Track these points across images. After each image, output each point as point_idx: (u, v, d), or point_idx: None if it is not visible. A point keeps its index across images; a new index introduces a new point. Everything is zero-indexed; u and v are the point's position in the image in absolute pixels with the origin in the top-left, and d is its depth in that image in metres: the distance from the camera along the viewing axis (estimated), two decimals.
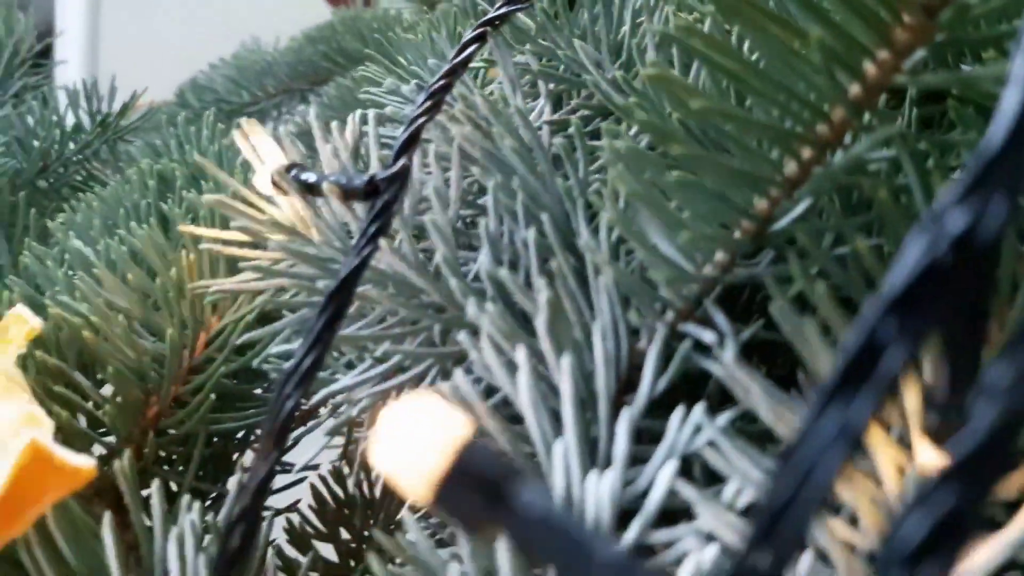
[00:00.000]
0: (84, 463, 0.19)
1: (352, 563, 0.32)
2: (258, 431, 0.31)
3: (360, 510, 0.33)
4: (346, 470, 0.34)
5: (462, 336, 0.20)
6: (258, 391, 0.30)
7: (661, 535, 0.18)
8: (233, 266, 0.30)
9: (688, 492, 0.17)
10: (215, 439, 0.30)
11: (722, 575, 0.15)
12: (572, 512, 0.17)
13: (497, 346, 0.20)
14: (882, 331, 0.10)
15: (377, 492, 0.33)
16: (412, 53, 0.37)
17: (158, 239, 0.29)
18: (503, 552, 0.16)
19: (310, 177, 0.24)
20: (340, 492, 0.34)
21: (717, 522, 0.16)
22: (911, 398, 0.13)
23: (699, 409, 0.17)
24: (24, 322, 0.27)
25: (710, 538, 0.17)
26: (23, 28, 0.58)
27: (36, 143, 0.46)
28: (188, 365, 0.28)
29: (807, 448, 0.09)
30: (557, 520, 0.10)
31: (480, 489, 0.09)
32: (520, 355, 0.18)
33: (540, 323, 0.19)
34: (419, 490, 0.09)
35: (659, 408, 0.20)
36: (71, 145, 0.48)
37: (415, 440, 0.09)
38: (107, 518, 0.20)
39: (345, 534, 0.34)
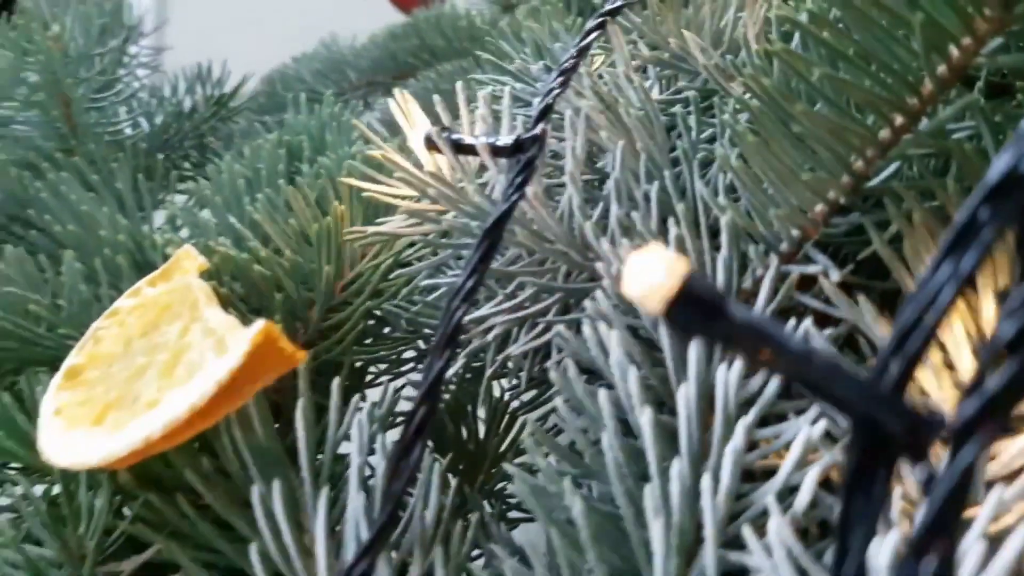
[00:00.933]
0: (298, 350, 0.23)
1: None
2: (381, 367, 0.36)
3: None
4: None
5: (600, 265, 0.25)
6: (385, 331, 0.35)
7: (767, 431, 0.22)
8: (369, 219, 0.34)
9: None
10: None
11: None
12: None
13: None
14: (980, 213, 0.14)
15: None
16: (515, 44, 0.42)
17: (308, 192, 0.34)
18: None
19: (463, 138, 0.28)
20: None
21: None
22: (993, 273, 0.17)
23: (808, 322, 0.22)
24: (194, 258, 0.32)
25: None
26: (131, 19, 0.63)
27: (159, 120, 0.51)
28: (332, 301, 0.33)
29: (929, 286, 0.13)
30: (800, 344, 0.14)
31: (701, 304, 0.13)
32: None
33: None
34: (657, 307, 0.14)
35: None
36: (186, 123, 0.53)
37: (653, 272, 0.14)
38: (301, 402, 0.24)
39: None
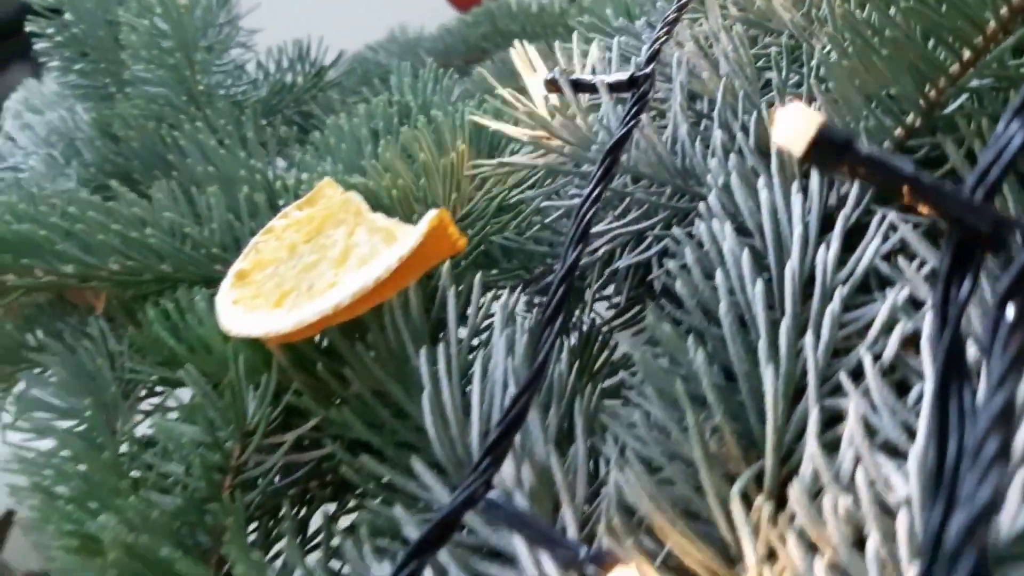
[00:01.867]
0: (461, 237, 0.28)
1: None
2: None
3: None
4: None
5: (709, 177, 0.29)
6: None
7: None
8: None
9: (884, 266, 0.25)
10: None
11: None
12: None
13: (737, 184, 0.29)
14: None
15: None
16: (603, 15, 0.47)
17: (428, 135, 0.39)
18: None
19: (584, 78, 0.33)
20: None
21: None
22: None
23: (894, 212, 0.26)
24: (336, 187, 0.37)
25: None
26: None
27: (264, 91, 0.57)
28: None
29: (1003, 136, 0.18)
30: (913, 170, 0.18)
31: (834, 144, 0.18)
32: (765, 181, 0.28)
33: (773, 178, 0.28)
34: (800, 149, 0.18)
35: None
36: (288, 96, 0.59)
37: (796, 123, 0.18)
38: (478, 277, 0.29)
39: None
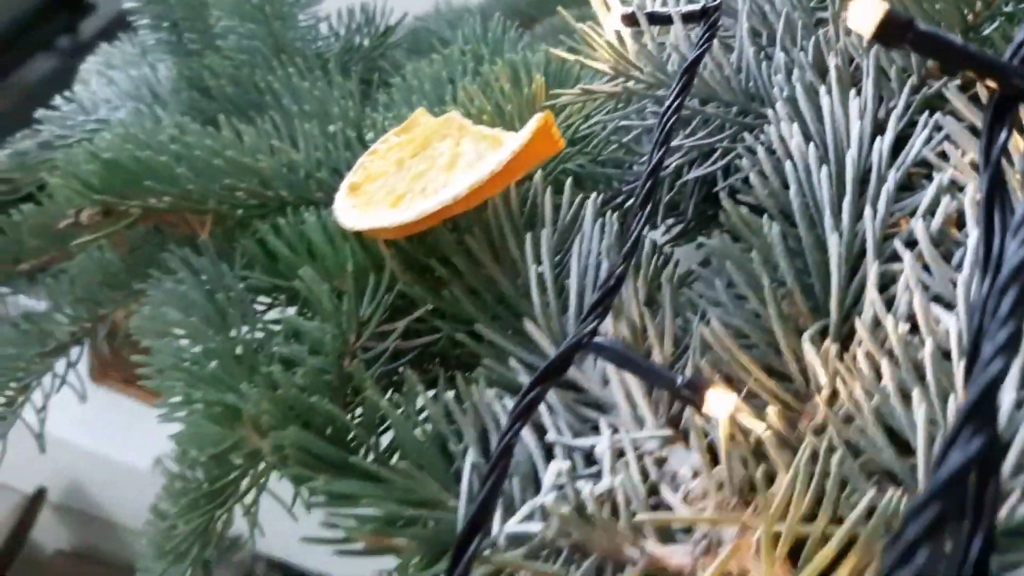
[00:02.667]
0: (561, 138, 0.33)
1: None
2: None
3: None
4: None
5: (775, 90, 0.34)
6: None
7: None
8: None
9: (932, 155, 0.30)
10: None
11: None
12: None
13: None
14: None
15: None
16: None
17: (506, 71, 0.43)
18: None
19: (658, 10, 0.38)
20: None
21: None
22: None
23: (937, 115, 0.31)
24: (429, 115, 0.42)
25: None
26: None
27: (337, 49, 0.62)
28: None
29: None
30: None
31: (900, 26, 0.23)
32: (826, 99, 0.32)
33: (831, 87, 0.33)
34: (870, 31, 0.23)
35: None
36: (356, 55, 0.64)
37: (867, 10, 0.23)
38: (570, 180, 0.34)
39: None
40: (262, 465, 0.44)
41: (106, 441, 2.42)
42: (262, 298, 0.46)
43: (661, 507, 0.27)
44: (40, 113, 0.66)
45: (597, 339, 0.28)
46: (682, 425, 0.29)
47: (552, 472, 0.28)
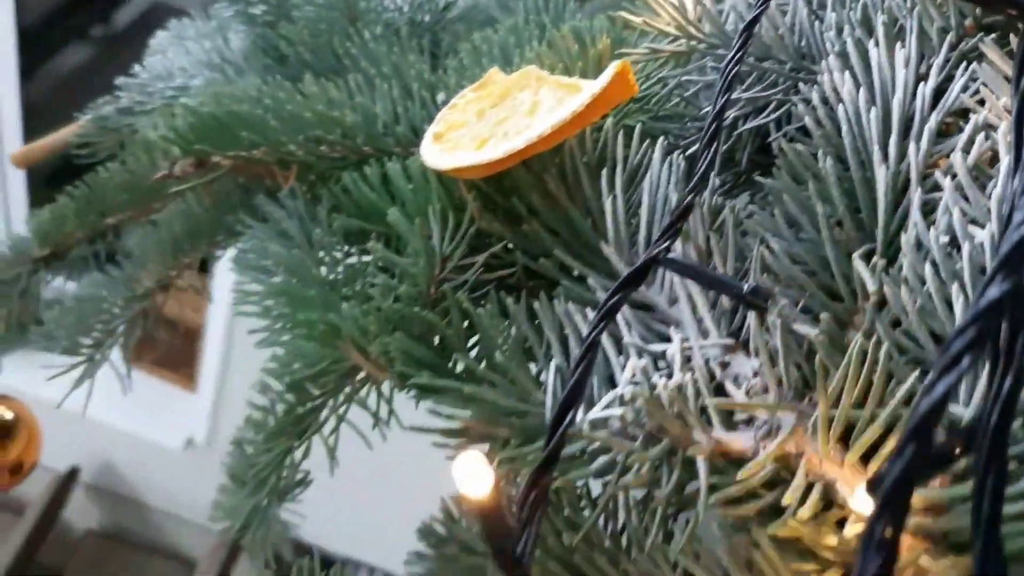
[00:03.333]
0: (635, 84, 0.37)
1: None
2: None
3: None
4: None
5: (828, 44, 0.38)
6: None
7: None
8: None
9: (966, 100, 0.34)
10: None
11: None
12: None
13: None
14: None
15: None
16: None
17: (571, 35, 0.48)
18: None
19: None
20: None
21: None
22: None
23: (974, 65, 0.35)
24: (502, 73, 0.46)
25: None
26: None
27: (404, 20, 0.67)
28: None
29: None
30: None
31: None
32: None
33: (879, 41, 0.37)
34: None
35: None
36: (417, 28, 0.68)
37: None
38: (639, 126, 0.38)
39: None
40: (342, 396, 0.49)
41: (138, 422, 2.49)
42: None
43: None
44: (120, 80, 0.71)
45: (670, 255, 0.32)
46: (742, 336, 0.33)
47: (629, 369, 0.32)
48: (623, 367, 0.33)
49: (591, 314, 0.34)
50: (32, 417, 0.77)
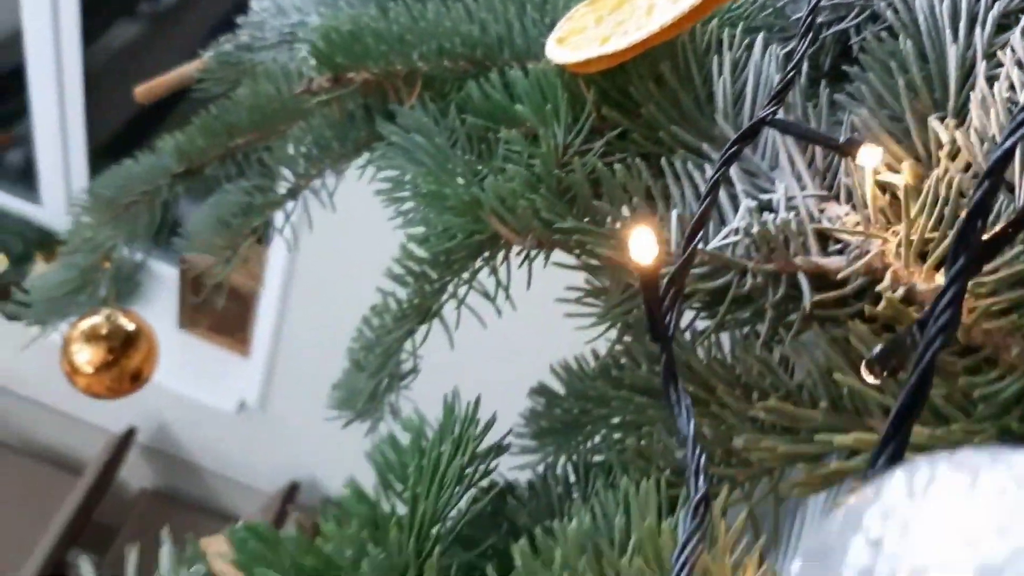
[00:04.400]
0: None
1: None
2: None
3: None
4: None
5: None
6: None
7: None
8: None
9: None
10: None
11: None
12: None
13: None
14: None
15: None
16: None
17: None
18: None
19: None
20: None
21: None
22: None
23: None
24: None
25: None
26: None
27: None
28: None
29: None
30: None
31: None
32: None
33: None
34: None
35: None
36: None
37: None
38: (741, 25, 0.46)
39: None
40: (466, 275, 0.57)
41: (193, 385, 2.61)
42: None
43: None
44: (240, 19, 0.80)
45: (776, 118, 0.40)
46: (834, 190, 0.41)
47: (743, 210, 0.40)
48: (735, 213, 0.41)
49: (708, 170, 0.42)
50: (151, 331, 0.86)
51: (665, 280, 0.35)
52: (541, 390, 0.55)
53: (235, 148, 0.72)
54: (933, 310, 0.24)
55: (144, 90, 0.84)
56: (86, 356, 0.83)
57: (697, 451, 0.29)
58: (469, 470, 0.43)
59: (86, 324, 0.82)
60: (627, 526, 0.31)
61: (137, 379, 0.86)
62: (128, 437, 2.67)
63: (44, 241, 2.59)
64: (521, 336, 1.08)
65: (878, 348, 0.28)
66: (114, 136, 2.76)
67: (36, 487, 2.67)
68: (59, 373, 2.73)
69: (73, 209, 0.70)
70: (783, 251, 0.38)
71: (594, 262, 0.44)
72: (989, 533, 0.15)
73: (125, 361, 0.84)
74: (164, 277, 2.64)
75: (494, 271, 0.56)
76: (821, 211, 0.40)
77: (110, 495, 2.72)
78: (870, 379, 0.28)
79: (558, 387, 0.54)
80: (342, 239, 1.72)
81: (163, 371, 2.82)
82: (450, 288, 0.59)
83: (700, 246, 0.40)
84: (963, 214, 0.26)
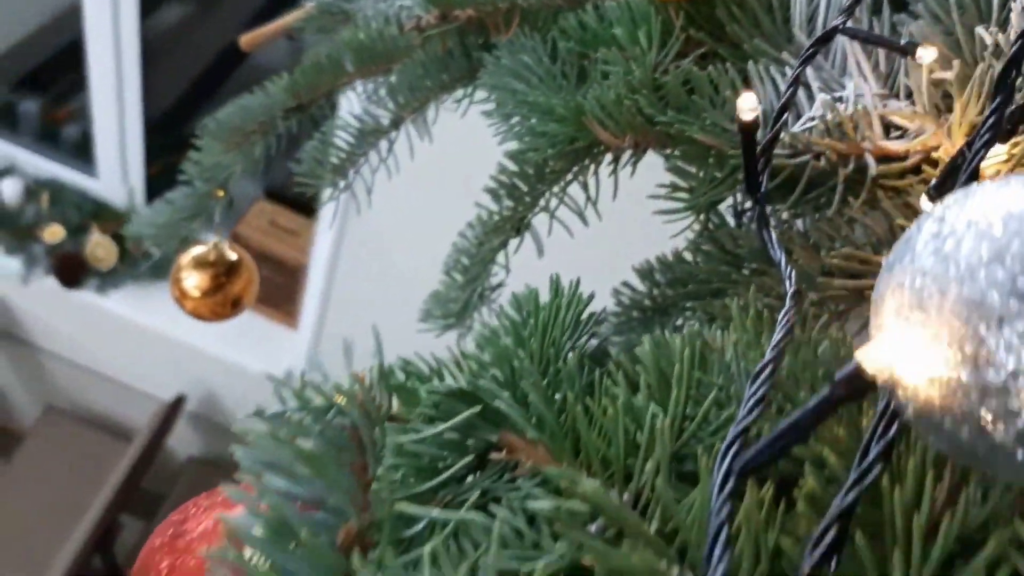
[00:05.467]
0: None
1: None
2: None
3: None
4: None
5: None
6: None
7: None
8: None
9: None
10: None
11: None
12: None
13: None
14: None
15: None
16: None
17: None
18: None
19: None
20: None
21: None
22: None
23: None
24: None
25: None
26: None
27: None
28: None
29: None
30: None
31: None
32: None
33: None
34: None
35: None
36: None
37: None
38: None
39: None
40: (563, 183, 0.66)
41: (241, 355, 2.73)
42: None
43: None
44: None
45: (847, 26, 0.48)
46: (895, 89, 0.49)
47: (818, 102, 0.48)
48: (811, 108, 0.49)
49: (788, 72, 0.50)
50: (251, 263, 0.96)
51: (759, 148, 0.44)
52: (624, 285, 0.64)
53: (340, 86, 0.82)
54: (979, 129, 0.33)
55: (248, 39, 0.93)
56: (194, 281, 0.92)
57: (788, 264, 0.37)
58: (573, 338, 0.52)
59: (195, 252, 0.92)
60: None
61: (237, 305, 0.95)
62: (177, 404, 2.79)
63: (100, 213, 2.71)
64: (604, 249, 1.17)
65: (935, 180, 0.37)
66: (168, 111, 2.89)
67: (89, 453, 2.80)
68: (113, 343, 2.89)
69: (198, 137, 0.80)
70: (852, 136, 0.47)
71: (683, 165, 0.53)
72: (1016, 201, 0.23)
73: (228, 288, 0.94)
74: None
75: (584, 185, 0.65)
76: (884, 105, 0.49)
77: (158, 462, 2.84)
78: (929, 207, 0.37)
79: (639, 285, 0.63)
80: (387, 217, 1.82)
81: (213, 340, 2.94)
82: (542, 202, 0.68)
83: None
84: (1000, 64, 0.35)
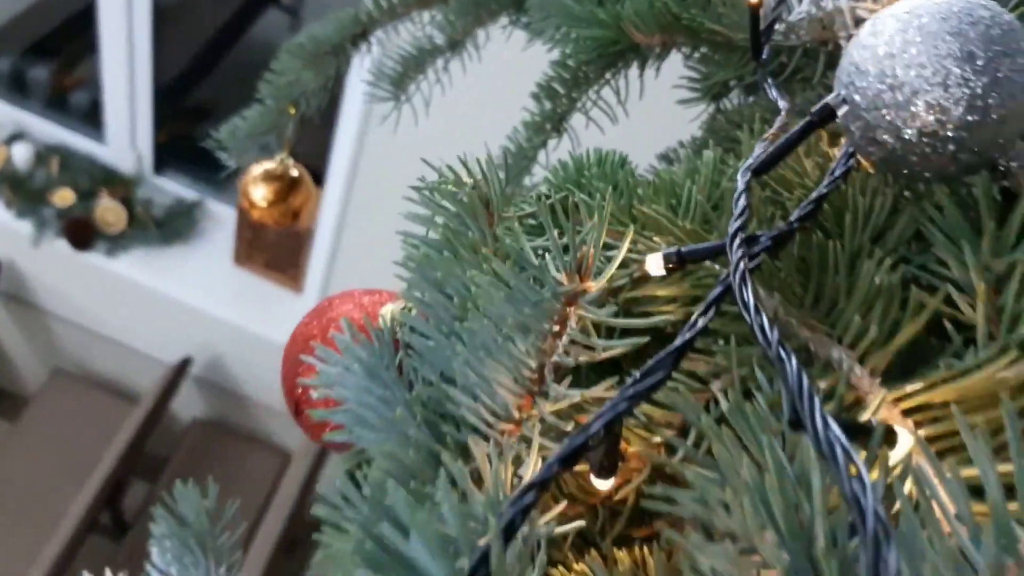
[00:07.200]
0: None
1: None
2: None
3: None
4: None
5: None
6: None
7: None
8: None
9: None
10: None
11: None
12: None
13: None
14: None
15: None
16: None
17: None
18: None
19: None
20: None
21: None
22: None
23: None
24: None
25: None
26: None
27: None
28: None
29: None
30: None
31: None
32: None
33: None
34: None
35: None
36: None
37: None
38: None
39: None
40: (597, 85, 0.83)
41: (246, 318, 2.88)
42: None
43: None
44: None
45: None
46: None
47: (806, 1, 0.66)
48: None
49: None
50: (310, 180, 1.13)
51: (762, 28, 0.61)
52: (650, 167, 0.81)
53: (398, 15, 0.99)
54: None
55: None
56: (261, 193, 1.09)
57: (782, 95, 0.55)
58: None
59: (264, 167, 1.08)
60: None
61: (296, 216, 1.12)
62: (183, 367, 2.94)
63: (109, 178, 2.87)
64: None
65: None
66: (174, 79, 3.04)
67: (96, 415, 2.95)
68: (120, 306, 3.09)
69: (279, 56, 0.96)
70: (830, 26, 0.64)
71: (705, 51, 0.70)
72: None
73: (291, 199, 1.10)
74: (222, 216, 2.92)
75: (616, 90, 0.82)
76: (858, 3, 0.66)
77: (163, 425, 2.99)
78: None
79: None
80: (392, 185, 1.98)
81: (218, 304, 3.10)
82: (578, 105, 0.85)
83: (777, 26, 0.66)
84: None
